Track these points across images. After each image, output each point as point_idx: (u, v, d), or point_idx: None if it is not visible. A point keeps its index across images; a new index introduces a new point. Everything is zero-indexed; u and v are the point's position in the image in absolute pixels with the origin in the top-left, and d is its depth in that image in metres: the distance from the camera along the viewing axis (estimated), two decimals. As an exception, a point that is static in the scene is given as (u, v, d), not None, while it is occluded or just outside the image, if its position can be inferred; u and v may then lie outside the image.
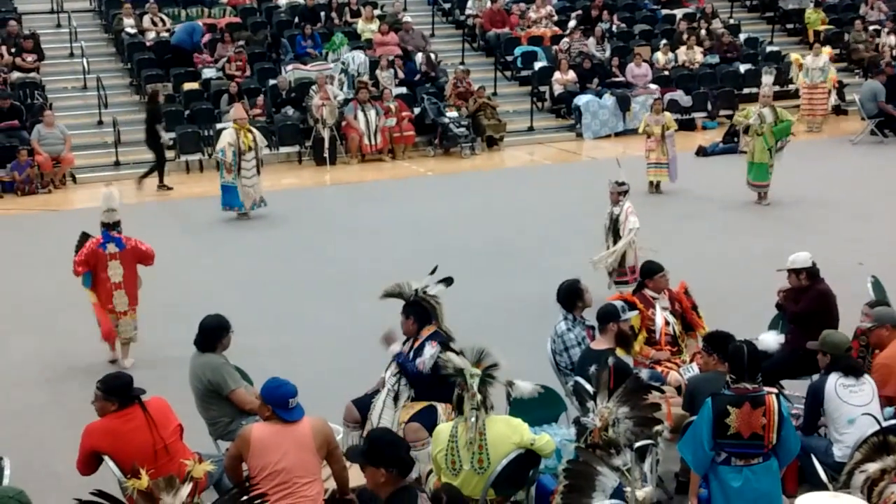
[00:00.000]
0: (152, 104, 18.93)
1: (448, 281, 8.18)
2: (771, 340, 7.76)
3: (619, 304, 8.30)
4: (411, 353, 7.85)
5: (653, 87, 23.18)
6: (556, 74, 23.15)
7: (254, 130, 16.33)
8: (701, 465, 6.67)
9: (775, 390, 7.80)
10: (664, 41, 25.01)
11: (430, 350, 7.65)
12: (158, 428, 6.73)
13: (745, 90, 24.15)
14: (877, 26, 26.72)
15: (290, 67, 22.14)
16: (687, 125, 22.65)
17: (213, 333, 7.84)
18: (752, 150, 16.07)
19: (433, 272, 8.23)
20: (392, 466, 5.59)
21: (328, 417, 7.76)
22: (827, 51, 23.30)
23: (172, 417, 6.95)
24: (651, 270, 9.30)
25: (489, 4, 25.64)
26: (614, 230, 11.80)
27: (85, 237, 10.64)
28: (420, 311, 8.01)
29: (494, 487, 6.52)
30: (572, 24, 25.26)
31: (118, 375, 6.95)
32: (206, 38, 22.60)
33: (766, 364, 8.23)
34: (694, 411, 7.08)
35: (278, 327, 11.55)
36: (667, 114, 17.78)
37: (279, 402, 6.54)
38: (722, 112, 23.23)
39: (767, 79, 17.93)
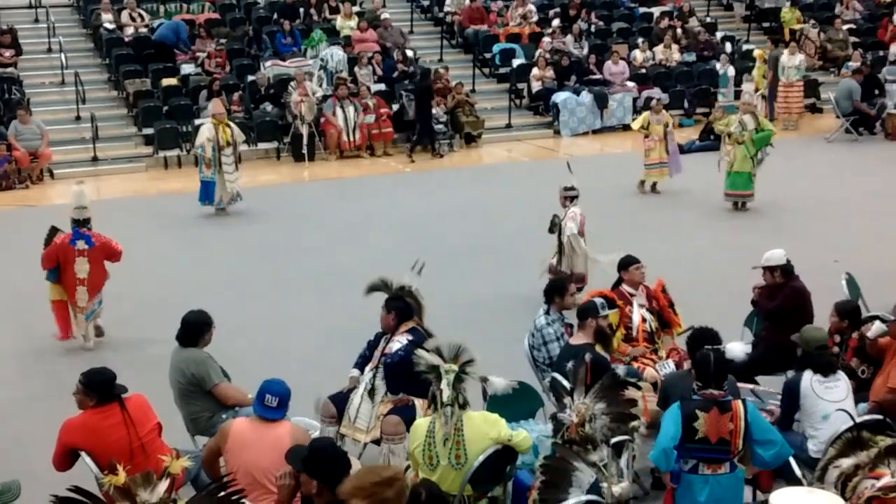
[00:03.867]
0: (425, 81, 21.05)
1: (420, 267, 8.23)
2: (738, 350, 7.79)
3: (598, 300, 8.33)
4: (386, 348, 7.86)
5: (630, 84, 23.24)
6: (535, 71, 23.16)
7: (232, 125, 16.30)
8: (667, 462, 6.62)
9: (747, 385, 7.88)
10: (641, 39, 25.07)
11: (401, 341, 7.69)
12: (136, 426, 6.70)
13: (722, 88, 24.25)
14: (851, 25, 26.86)
15: (268, 64, 22.08)
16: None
17: (195, 328, 7.83)
18: (732, 158, 15.67)
19: (415, 267, 8.26)
20: (326, 482, 5.57)
21: (307, 412, 7.77)
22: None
23: (151, 415, 6.92)
24: (626, 262, 9.32)
25: (467, 2, 25.63)
26: (559, 233, 11.77)
27: (54, 231, 10.80)
28: (402, 306, 8.02)
29: (472, 483, 6.52)
30: (556, 22, 25.27)
31: (101, 371, 6.92)
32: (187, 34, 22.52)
33: (742, 362, 8.28)
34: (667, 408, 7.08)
35: (257, 323, 11.52)
36: (666, 112, 17.65)
37: (259, 395, 6.54)
38: (699, 110, 23.29)
39: (748, 86, 17.80)
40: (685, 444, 6.51)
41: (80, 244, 10.54)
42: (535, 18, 25.57)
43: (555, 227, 11.72)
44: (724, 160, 15.85)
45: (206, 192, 16.05)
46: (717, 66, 23.81)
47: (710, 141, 19.46)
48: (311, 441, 5.84)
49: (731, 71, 23.12)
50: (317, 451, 5.73)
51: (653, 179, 17.11)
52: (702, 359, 6.75)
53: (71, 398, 6.95)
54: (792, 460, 6.97)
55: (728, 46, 24.99)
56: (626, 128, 22.82)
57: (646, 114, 17.49)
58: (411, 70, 22.98)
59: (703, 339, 7.20)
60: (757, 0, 28.32)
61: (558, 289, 8.81)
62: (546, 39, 24.41)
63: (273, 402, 6.51)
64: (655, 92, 23.09)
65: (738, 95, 22.55)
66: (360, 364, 8.13)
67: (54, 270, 10.60)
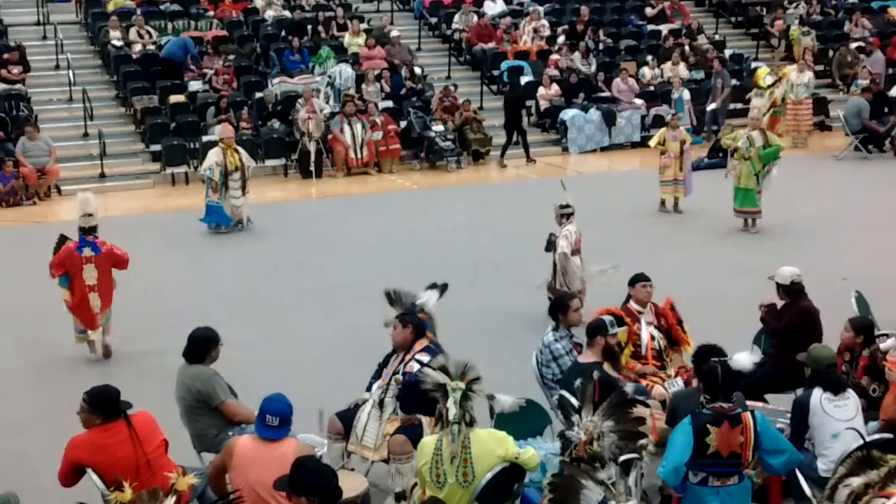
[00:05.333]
0: (516, 91, 21.88)
1: (443, 288, 8.29)
2: (745, 360, 7.76)
3: (607, 318, 8.31)
4: (401, 367, 7.86)
5: (638, 102, 23.26)
6: (541, 90, 23.20)
7: (240, 150, 16.32)
8: (677, 478, 6.61)
9: (757, 404, 7.87)
10: (650, 56, 25.11)
11: (420, 360, 7.68)
12: (143, 443, 6.70)
13: (731, 105, 24.25)
14: (860, 43, 26.89)
15: (276, 80, 22.14)
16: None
17: (202, 345, 7.84)
18: (738, 174, 15.54)
19: (434, 287, 8.44)
20: (314, 495, 5.52)
21: (313, 429, 7.77)
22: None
23: (158, 432, 6.92)
24: (634, 279, 9.33)
25: (475, 19, 25.70)
26: (553, 251, 11.78)
27: (63, 239, 10.91)
28: (418, 321, 8.04)
29: (479, 501, 6.50)
30: (561, 39, 25.33)
31: (105, 388, 6.91)
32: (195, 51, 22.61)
33: (752, 379, 8.26)
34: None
35: (264, 340, 11.52)
36: (682, 129, 17.53)
37: (259, 414, 6.52)
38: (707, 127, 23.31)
39: (757, 101, 17.70)
40: (696, 458, 6.51)
41: (87, 251, 10.66)
42: (548, 33, 25.62)
43: (551, 245, 11.73)
44: (731, 175, 15.79)
45: (210, 216, 16.10)
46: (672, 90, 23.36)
47: (718, 158, 19.45)
48: (294, 461, 5.77)
49: (686, 95, 22.83)
50: (297, 468, 5.67)
51: (667, 196, 17.01)
52: (709, 371, 6.75)
53: (76, 413, 6.95)
54: (802, 479, 6.96)
55: (681, 69, 24.68)
56: (635, 145, 22.90)
57: (662, 130, 17.34)
58: (419, 87, 23.05)
59: (709, 354, 7.19)
60: (765, 17, 28.33)
61: (560, 306, 8.86)
62: (555, 57, 24.48)
63: (274, 421, 6.46)
64: (663, 109, 23.11)
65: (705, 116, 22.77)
66: (371, 386, 8.15)
67: (65, 277, 10.74)
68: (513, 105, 21.53)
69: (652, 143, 17.52)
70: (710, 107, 22.95)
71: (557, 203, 11.80)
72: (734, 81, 24.61)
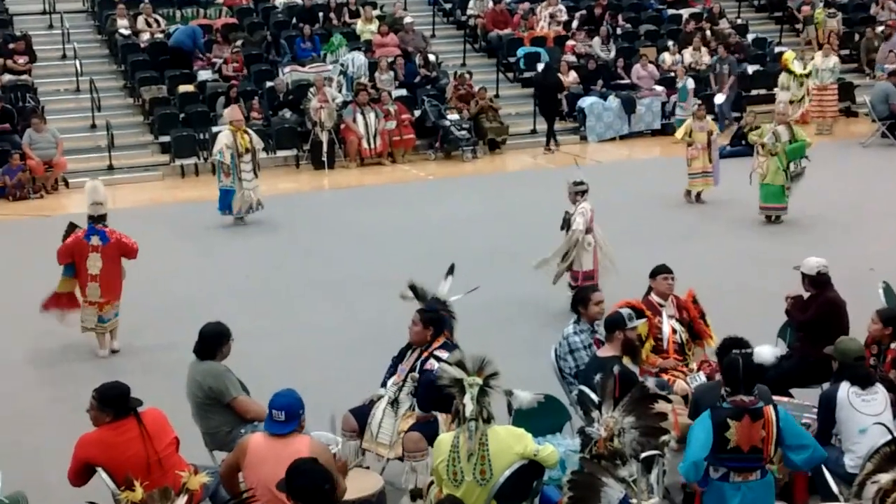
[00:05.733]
0: (551, 74, 21.97)
1: (450, 270, 8.50)
2: (767, 353, 7.73)
3: (626, 311, 8.27)
4: (417, 363, 7.86)
5: (658, 88, 23.18)
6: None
7: (250, 132, 16.36)
8: (697, 474, 6.60)
9: (783, 399, 7.84)
10: (671, 42, 25.01)
11: (440, 356, 7.65)
12: (153, 441, 6.72)
13: (753, 91, 24.16)
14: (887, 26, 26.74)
15: (287, 69, 22.15)
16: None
17: (213, 341, 7.85)
18: (765, 170, 15.37)
19: (450, 272, 8.51)
20: (306, 500, 5.52)
21: (327, 426, 7.77)
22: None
23: (169, 430, 6.94)
24: (655, 271, 9.30)
25: (491, 5, 25.65)
26: (568, 230, 11.81)
27: (72, 227, 11.03)
28: (439, 319, 8.02)
29: (497, 499, 6.51)
30: (575, 24, 25.28)
31: (115, 385, 6.92)
32: (203, 39, 22.62)
33: (777, 373, 8.25)
34: (697, 418, 7.07)
35: (276, 334, 11.55)
36: (710, 119, 17.38)
37: (268, 410, 6.52)
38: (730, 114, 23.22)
39: (783, 95, 17.29)
40: (716, 454, 6.51)
41: (95, 240, 10.74)
42: (565, 18, 25.56)
43: (566, 223, 11.77)
44: (757, 172, 15.58)
45: (225, 202, 16.09)
46: (676, 78, 22.91)
47: (741, 146, 19.37)
48: (290, 465, 5.76)
49: (691, 83, 22.37)
50: (290, 471, 5.65)
51: (697, 189, 16.92)
52: (730, 363, 6.74)
53: (86, 407, 6.97)
54: (828, 475, 6.94)
55: (703, 54, 24.56)
56: (655, 133, 22.84)
57: (688, 121, 17.18)
58: (433, 75, 23.02)
59: (734, 347, 7.18)
60: (790, 1, 28.19)
61: (581, 299, 8.81)
62: (570, 43, 24.41)
63: (280, 416, 6.45)
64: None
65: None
66: (386, 382, 8.16)
67: (70, 266, 10.85)
68: (549, 88, 21.80)
69: (678, 134, 17.37)
70: (719, 100, 22.59)
71: (571, 180, 11.81)
72: (757, 67, 24.54)
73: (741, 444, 6.50)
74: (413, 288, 8.42)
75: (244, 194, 16.00)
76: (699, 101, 18.91)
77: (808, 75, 22.72)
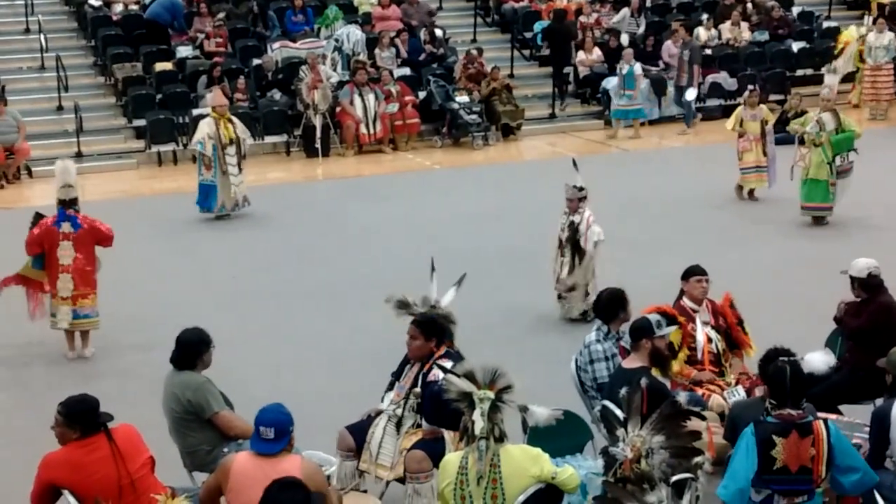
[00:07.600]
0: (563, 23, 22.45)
1: (459, 281, 8.48)
2: (818, 361, 7.70)
3: (654, 317, 8.22)
4: (419, 378, 7.85)
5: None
6: (580, 55, 23.11)
7: (235, 120, 16.33)
8: (742, 501, 6.60)
9: (831, 416, 7.81)
10: (706, 16, 24.96)
11: (445, 366, 7.65)
12: (126, 460, 6.71)
13: (799, 72, 24.14)
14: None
15: (276, 45, 22.19)
16: (730, 112, 22.54)
17: (192, 349, 7.84)
18: (808, 163, 15.05)
19: (459, 283, 8.52)
20: None
21: (320, 445, 7.78)
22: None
23: (143, 448, 6.93)
24: (688, 272, 9.27)
25: (505, -27, 25.68)
26: (573, 241, 11.73)
27: (39, 217, 11.04)
28: (440, 330, 8.00)
29: (510, 527, 6.51)
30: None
31: (83, 399, 6.91)
32: (183, 11, 22.63)
33: (823, 386, 8.23)
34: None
35: (263, 342, 11.56)
36: (763, 107, 17.19)
37: (254, 428, 6.52)
38: (772, 97, 23.12)
39: (831, 79, 16.89)
40: (761, 474, 6.49)
41: (66, 226, 10.75)
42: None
43: (573, 236, 11.69)
44: (799, 165, 15.34)
45: (206, 198, 16.06)
46: (621, 63, 22.11)
47: (785, 133, 19.33)
48: (271, 483, 5.76)
49: (638, 68, 21.95)
50: (267, 491, 5.66)
51: (749, 185, 16.78)
52: (776, 372, 6.72)
53: (51, 417, 6.96)
54: (880, 500, 6.92)
55: (743, 29, 24.50)
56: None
57: (738, 110, 16.99)
58: (440, 52, 23.01)
59: (777, 357, 7.16)
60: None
61: (620, 300, 8.72)
62: (589, 18, 24.37)
63: (269, 433, 6.43)
64: (722, 77, 23.05)
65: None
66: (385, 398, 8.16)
67: (39, 258, 10.86)
68: (562, 35, 22.51)
69: (728, 124, 17.13)
70: (690, 95, 22.03)
71: (572, 184, 11.76)
72: (803, 44, 24.48)
73: (789, 464, 6.48)
74: (401, 304, 8.33)
75: (230, 190, 15.97)
76: (752, 87, 18.65)
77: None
